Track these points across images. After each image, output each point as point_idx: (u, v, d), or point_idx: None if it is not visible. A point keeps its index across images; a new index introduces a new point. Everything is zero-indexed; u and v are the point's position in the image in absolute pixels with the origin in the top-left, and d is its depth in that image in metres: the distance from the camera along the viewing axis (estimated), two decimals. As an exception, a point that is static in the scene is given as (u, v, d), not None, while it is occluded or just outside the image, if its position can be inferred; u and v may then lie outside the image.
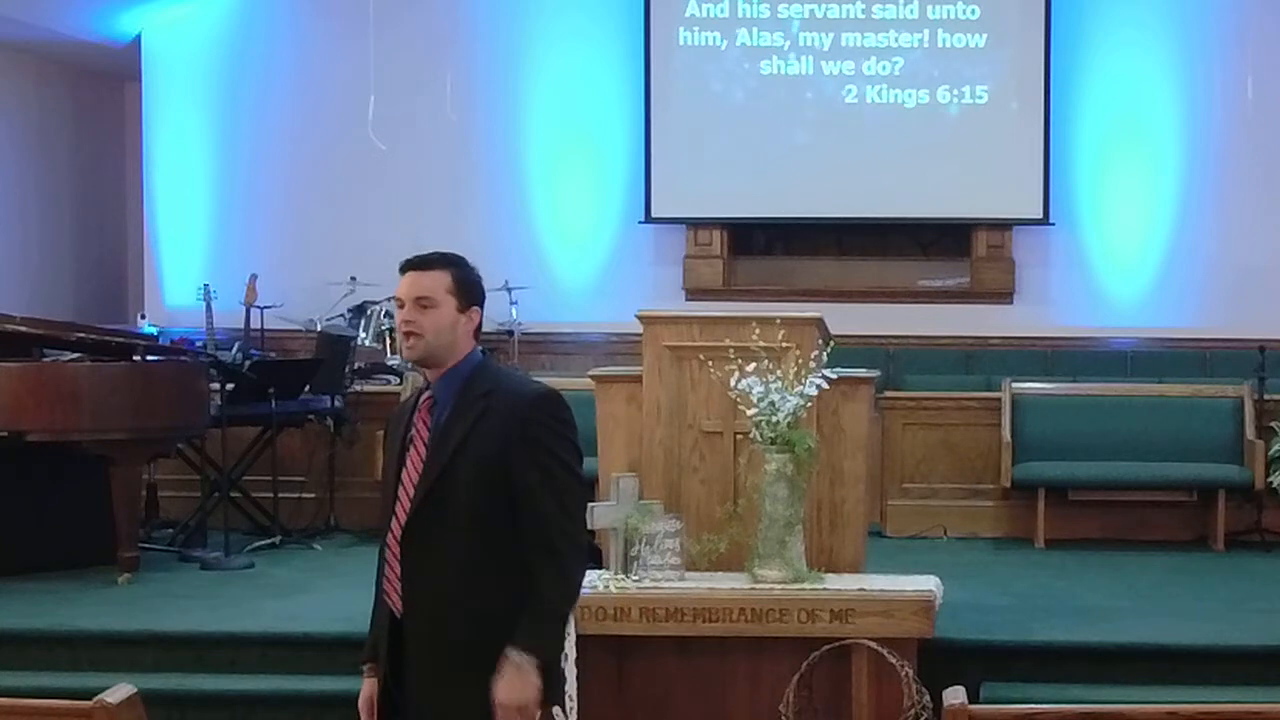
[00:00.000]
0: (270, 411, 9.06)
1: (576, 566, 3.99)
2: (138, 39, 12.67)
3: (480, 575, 3.91)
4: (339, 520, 9.55)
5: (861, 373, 6.61)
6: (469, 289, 4.05)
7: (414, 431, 4.02)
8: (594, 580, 6.15)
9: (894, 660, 5.93)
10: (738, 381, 6.06)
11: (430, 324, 3.98)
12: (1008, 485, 9.37)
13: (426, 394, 4.05)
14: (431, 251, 4.10)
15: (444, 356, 4.02)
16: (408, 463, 4.01)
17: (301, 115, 12.49)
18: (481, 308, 4.10)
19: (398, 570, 3.99)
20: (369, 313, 11.26)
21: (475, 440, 3.91)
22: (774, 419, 5.99)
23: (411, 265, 4.06)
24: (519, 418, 3.92)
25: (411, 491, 3.97)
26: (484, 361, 4.09)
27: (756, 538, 6.14)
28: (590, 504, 6.18)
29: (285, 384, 9.24)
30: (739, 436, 6.33)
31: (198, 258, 12.53)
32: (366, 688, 4.18)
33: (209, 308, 10.97)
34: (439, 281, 4.01)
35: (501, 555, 3.93)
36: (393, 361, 11.00)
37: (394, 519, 4.01)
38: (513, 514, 3.93)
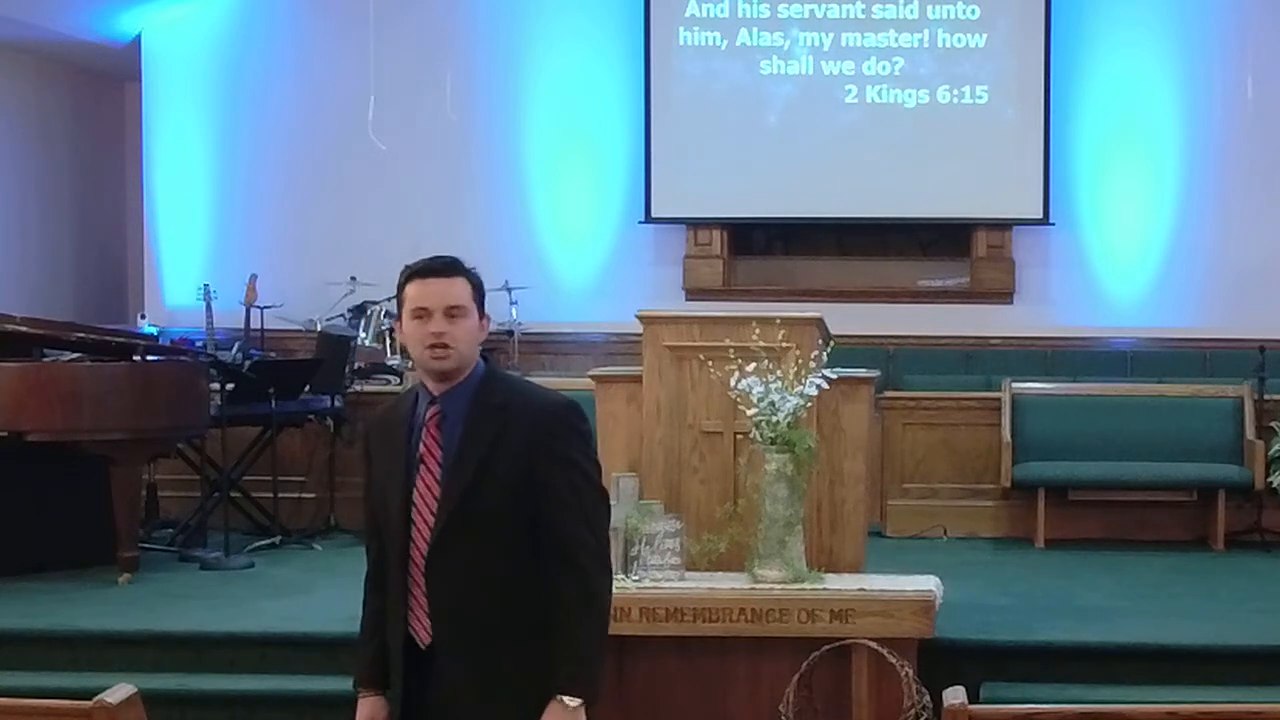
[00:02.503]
0: (270, 411, 9.06)
1: (602, 583, 3.83)
2: (138, 39, 12.67)
3: (519, 596, 3.77)
4: (339, 520, 9.54)
5: (861, 373, 6.60)
6: (483, 296, 3.86)
7: (422, 449, 3.80)
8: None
9: (894, 660, 5.93)
10: (738, 381, 6.06)
11: (463, 334, 3.76)
12: (1008, 485, 9.37)
13: (433, 408, 3.81)
14: (443, 256, 3.86)
15: (467, 369, 3.81)
16: (419, 484, 3.79)
17: (301, 115, 12.49)
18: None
19: (424, 601, 3.80)
20: (369, 313, 11.26)
21: (500, 457, 3.72)
22: (774, 419, 5.99)
23: (434, 271, 3.80)
24: (544, 430, 3.75)
25: (431, 517, 3.77)
26: (490, 369, 3.87)
27: (756, 538, 6.14)
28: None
29: (285, 384, 9.24)
30: (739, 436, 6.33)
31: (198, 258, 12.53)
32: (366, 708, 4.02)
33: (209, 308, 10.98)
34: (464, 289, 3.80)
35: (538, 574, 3.80)
36: (393, 361, 11.01)
37: (412, 546, 3.80)
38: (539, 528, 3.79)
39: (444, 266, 3.82)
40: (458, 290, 3.79)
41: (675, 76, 12.17)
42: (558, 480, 3.75)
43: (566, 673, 3.73)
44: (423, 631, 3.84)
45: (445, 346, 3.75)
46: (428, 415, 3.82)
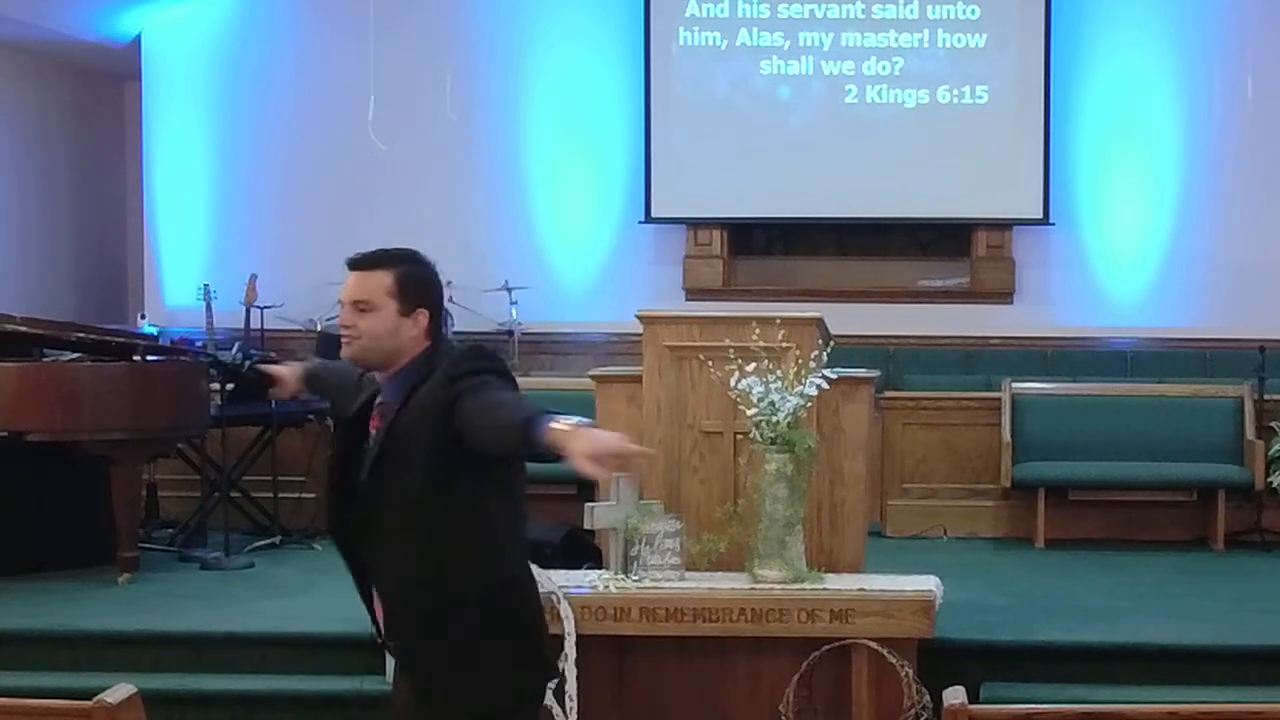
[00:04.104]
0: (270, 411, 9.06)
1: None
2: (138, 39, 12.67)
3: (446, 561, 3.82)
4: (339, 520, 9.52)
5: (861, 373, 6.60)
6: (414, 290, 3.88)
7: (370, 439, 3.92)
8: (594, 580, 6.16)
9: (894, 660, 5.94)
10: (738, 381, 6.05)
11: (367, 328, 3.86)
12: (1008, 485, 9.37)
13: (379, 400, 3.93)
14: (377, 249, 3.95)
15: (384, 361, 3.88)
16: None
17: (302, 115, 12.49)
18: (432, 308, 3.92)
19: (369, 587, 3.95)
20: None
21: (413, 442, 3.79)
22: (774, 419, 5.99)
23: (352, 265, 3.91)
24: (444, 381, 3.79)
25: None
26: (428, 354, 3.90)
27: (756, 538, 6.14)
28: (590, 504, 6.19)
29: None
30: (739, 436, 6.33)
31: (198, 257, 12.53)
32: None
33: (209, 307, 10.97)
34: (379, 284, 3.86)
35: (465, 534, 3.85)
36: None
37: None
38: (466, 484, 3.82)
39: (360, 261, 3.93)
40: (368, 285, 3.88)
41: (675, 76, 12.17)
42: (464, 396, 3.74)
43: (522, 417, 3.60)
44: (379, 621, 3.98)
45: (349, 338, 3.89)
46: (376, 405, 3.94)
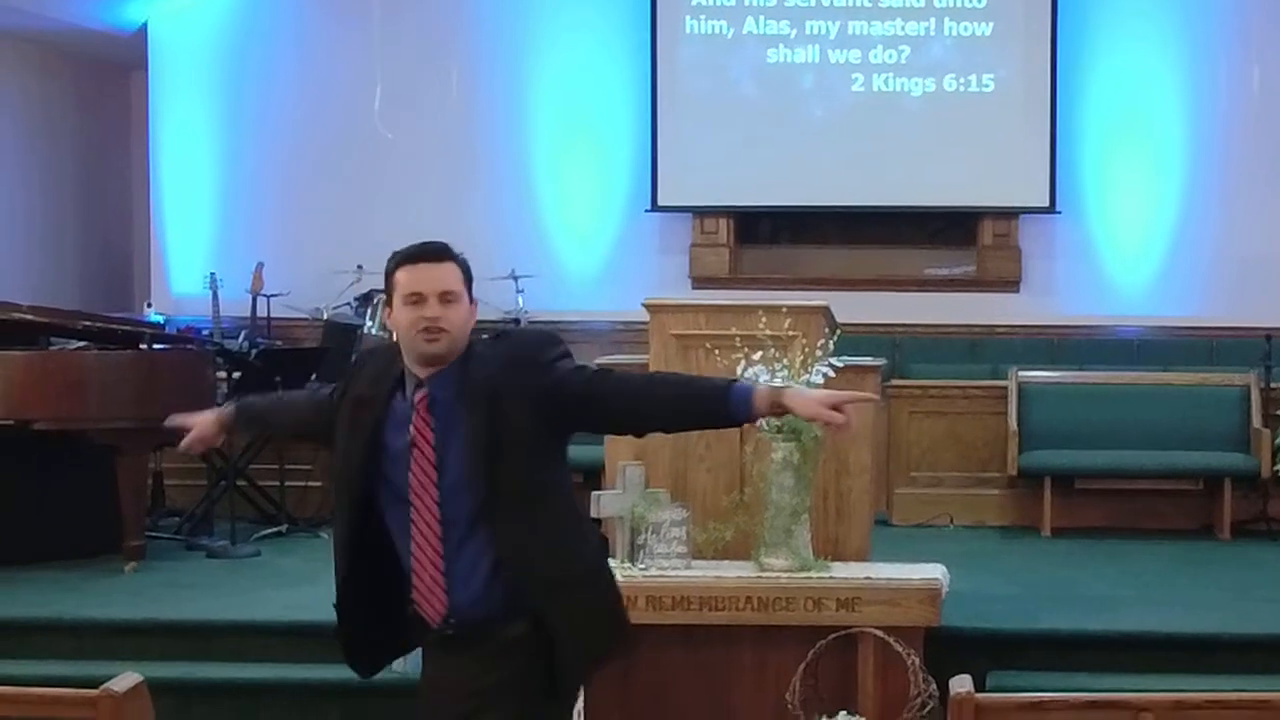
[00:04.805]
0: (277, 400, 9.05)
1: None
2: (144, 27, 12.66)
3: (559, 542, 3.87)
4: (345, 509, 9.52)
5: (868, 361, 6.60)
6: (471, 280, 3.91)
7: (413, 432, 3.83)
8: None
9: (900, 649, 5.93)
10: (744, 370, 6.05)
11: (456, 319, 3.82)
12: (1014, 474, 9.38)
13: (421, 392, 3.85)
14: (433, 242, 3.92)
15: (458, 353, 3.86)
16: (414, 469, 3.83)
17: (308, 104, 12.48)
18: None
19: (441, 581, 3.84)
20: (375, 301, 11.25)
21: (503, 427, 3.78)
22: (780, 408, 5.97)
23: (426, 256, 3.85)
24: (527, 367, 3.84)
25: (434, 503, 3.82)
26: (469, 347, 3.90)
27: (763, 526, 6.14)
28: (596, 492, 6.20)
29: (291, 372, 9.24)
30: (745, 425, 6.32)
31: (204, 246, 12.53)
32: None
33: (215, 296, 10.99)
34: (454, 274, 3.85)
35: (568, 515, 3.95)
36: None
37: (414, 529, 3.84)
38: (559, 467, 3.94)
39: (435, 252, 3.87)
40: (449, 275, 3.85)
41: (681, 65, 12.15)
42: (574, 385, 3.85)
43: (736, 388, 3.83)
44: (434, 612, 3.88)
45: (440, 330, 3.80)
46: (416, 399, 3.86)
